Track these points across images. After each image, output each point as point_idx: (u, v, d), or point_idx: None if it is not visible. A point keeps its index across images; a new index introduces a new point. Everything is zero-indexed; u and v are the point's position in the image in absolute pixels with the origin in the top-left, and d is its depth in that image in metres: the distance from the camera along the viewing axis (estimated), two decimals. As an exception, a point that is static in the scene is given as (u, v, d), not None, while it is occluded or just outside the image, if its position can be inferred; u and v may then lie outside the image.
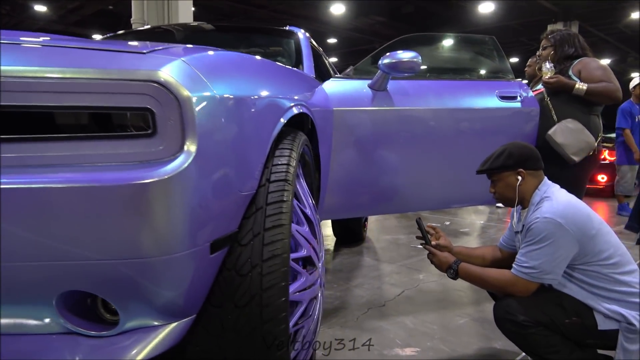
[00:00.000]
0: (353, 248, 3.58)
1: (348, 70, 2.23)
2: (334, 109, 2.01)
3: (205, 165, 0.83)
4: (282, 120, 1.20)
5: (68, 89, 0.75)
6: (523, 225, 1.56)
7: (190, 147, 0.80)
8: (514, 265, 1.50)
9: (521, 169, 1.57)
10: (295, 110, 1.30)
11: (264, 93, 1.09)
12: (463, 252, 1.82)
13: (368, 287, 2.71)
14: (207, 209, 0.85)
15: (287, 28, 2.47)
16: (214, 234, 0.90)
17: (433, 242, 1.78)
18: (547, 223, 1.42)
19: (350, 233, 3.65)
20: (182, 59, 0.84)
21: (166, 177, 0.76)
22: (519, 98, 2.38)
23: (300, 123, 1.58)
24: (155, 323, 0.91)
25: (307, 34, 2.48)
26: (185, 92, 0.80)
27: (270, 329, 1.03)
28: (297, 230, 1.24)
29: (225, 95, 0.90)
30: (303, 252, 1.26)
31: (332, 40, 13.52)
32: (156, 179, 0.76)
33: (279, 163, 1.17)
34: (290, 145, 1.24)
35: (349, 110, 2.06)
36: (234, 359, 1.03)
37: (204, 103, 0.84)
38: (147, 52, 0.83)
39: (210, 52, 0.97)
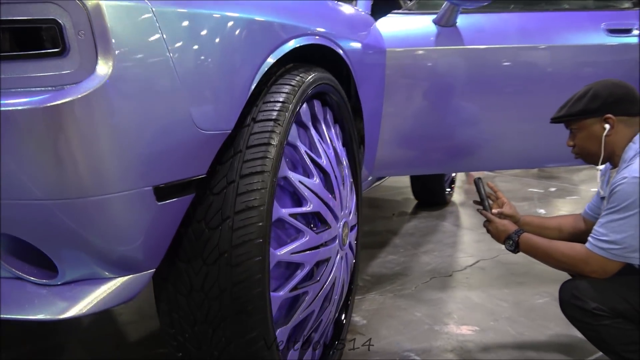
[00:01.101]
0: (433, 212, 3.29)
1: (410, 4, 1.92)
2: (388, 49, 1.74)
3: (126, 91, 0.68)
4: (280, 51, 1.00)
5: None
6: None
7: (103, 67, 0.66)
8: (589, 238, 1.17)
9: (609, 115, 1.20)
10: (304, 42, 1.09)
11: (245, 14, 0.90)
12: (534, 223, 1.50)
13: (438, 254, 2.45)
14: (134, 145, 0.71)
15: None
16: (157, 177, 0.76)
17: (494, 211, 1.49)
18: (637, 185, 1.07)
19: (430, 194, 3.35)
20: (105, -39, 0.69)
21: (64, 102, 0.63)
22: (635, 32, 1.88)
23: (338, 65, 1.36)
24: (106, 275, 0.82)
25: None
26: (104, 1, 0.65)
27: (241, 292, 0.88)
28: (301, 182, 1.06)
29: (167, 9, 0.74)
30: (308, 207, 1.08)
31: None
32: (52, 103, 0.63)
33: (272, 100, 0.99)
34: (293, 82, 1.05)
35: (406, 50, 1.78)
36: (203, 322, 0.91)
37: (127, 14, 0.68)
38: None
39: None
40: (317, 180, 1.12)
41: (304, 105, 1.16)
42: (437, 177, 3.22)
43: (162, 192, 0.79)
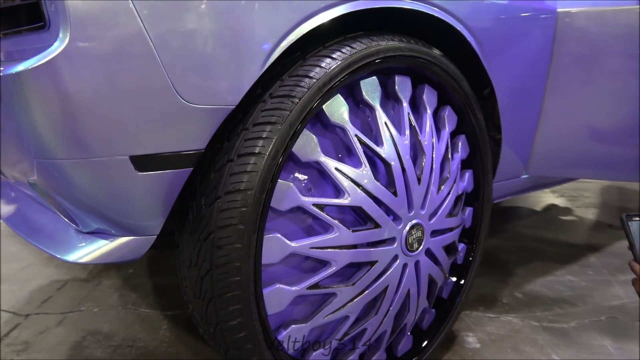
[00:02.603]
0: (675, 232, 2.45)
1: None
2: (560, 10, 1.33)
3: (86, 58, 0.69)
4: (315, 21, 0.87)
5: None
6: None
7: (63, 35, 0.69)
8: None
9: None
10: (355, 7, 0.91)
11: None
12: None
13: (642, 288, 1.83)
14: (99, 112, 0.73)
15: None
16: (133, 146, 0.77)
17: None
18: None
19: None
20: None
21: (21, 69, 0.69)
22: None
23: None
24: (112, 233, 0.89)
25: None
26: (58, -27, 0.68)
27: (220, 276, 0.84)
28: (337, 169, 0.93)
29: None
30: (342, 200, 0.94)
31: None
32: (12, 71, 0.70)
33: (299, 74, 0.88)
34: (337, 54, 0.91)
35: (594, 11, 1.33)
36: (199, 297, 0.90)
37: (90, -13, 0.69)
38: None
39: None
40: (366, 171, 0.96)
41: (370, 80, 0.99)
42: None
43: (142, 163, 0.79)
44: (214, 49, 0.79)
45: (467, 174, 1.29)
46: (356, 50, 0.92)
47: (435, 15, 1.05)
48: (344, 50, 0.92)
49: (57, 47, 0.70)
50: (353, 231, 0.96)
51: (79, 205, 0.84)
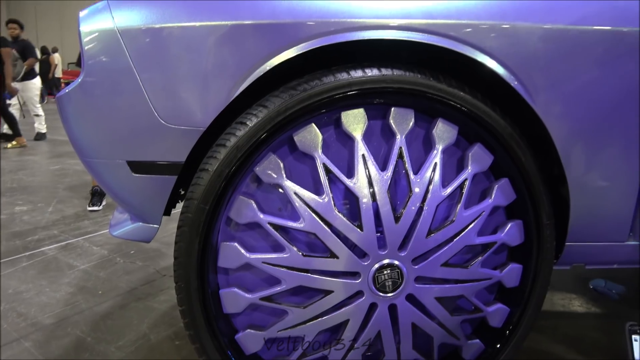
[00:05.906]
0: None
1: None
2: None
3: (94, 89, 0.96)
4: (280, 57, 0.95)
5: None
6: None
7: (82, 74, 0.98)
8: None
9: None
10: (323, 43, 0.94)
11: (222, 20, 0.93)
12: None
13: None
14: (103, 127, 0.98)
15: None
16: (129, 154, 1.01)
17: None
18: None
19: None
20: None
21: (58, 96, 1.01)
22: None
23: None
24: (133, 217, 1.16)
25: None
26: (81, 28, 0.97)
27: (174, 267, 1.00)
28: (296, 194, 0.99)
29: (131, 26, 0.95)
30: (296, 223, 0.99)
31: None
32: (59, 95, 1.02)
33: (260, 105, 0.97)
34: (299, 88, 0.96)
35: None
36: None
37: (98, 35, 0.95)
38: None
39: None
40: (326, 199, 0.98)
41: (354, 111, 1.00)
42: None
43: (136, 167, 1.03)
44: (186, 83, 0.97)
45: (511, 225, 1.11)
46: (315, 85, 0.95)
47: (448, 47, 0.97)
48: (305, 85, 0.96)
49: (76, 81, 0.99)
50: (304, 255, 0.99)
51: (110, 195, 1.13)
